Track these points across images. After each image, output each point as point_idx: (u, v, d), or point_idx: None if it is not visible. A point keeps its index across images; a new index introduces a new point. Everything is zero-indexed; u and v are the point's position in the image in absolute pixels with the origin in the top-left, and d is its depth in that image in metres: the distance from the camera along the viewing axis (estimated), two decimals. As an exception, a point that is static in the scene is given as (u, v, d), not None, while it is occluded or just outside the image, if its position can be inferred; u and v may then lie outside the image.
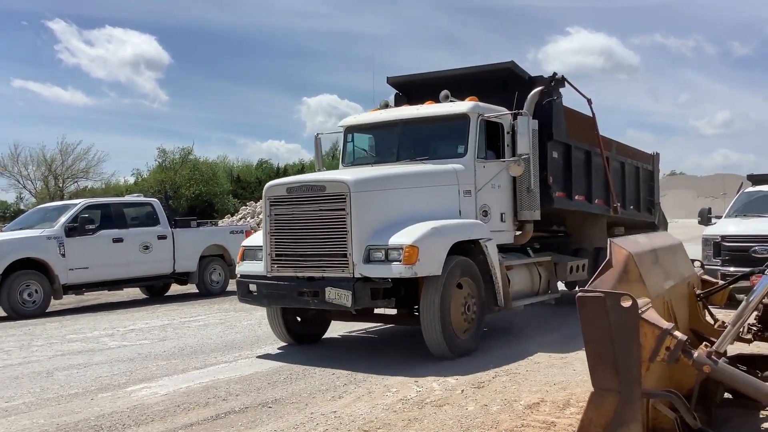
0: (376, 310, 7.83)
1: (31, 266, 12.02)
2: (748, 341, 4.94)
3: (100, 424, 5.22)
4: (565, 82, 9.03)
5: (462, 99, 8.36)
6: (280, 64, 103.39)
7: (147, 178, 44.02)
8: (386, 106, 9.28)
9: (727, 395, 4.65)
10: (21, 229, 13.03)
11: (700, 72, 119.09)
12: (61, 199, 34.81)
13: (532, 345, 7.77)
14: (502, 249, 8.13)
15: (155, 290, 14.98)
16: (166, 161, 43.83)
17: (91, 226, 12.69)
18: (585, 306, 3.35)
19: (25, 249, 12.04)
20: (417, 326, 7.07)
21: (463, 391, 5.75)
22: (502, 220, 8.31)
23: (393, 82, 10.00)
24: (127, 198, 15.49)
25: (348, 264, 6.79)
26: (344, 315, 7.70)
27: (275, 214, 7.33)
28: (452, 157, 8.03)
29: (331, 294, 6.73)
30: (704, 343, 3.96)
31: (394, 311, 7.75)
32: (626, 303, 3.26)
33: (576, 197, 9.61)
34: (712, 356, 3.49)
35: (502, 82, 8.91)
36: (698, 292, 5.10)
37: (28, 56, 73.06)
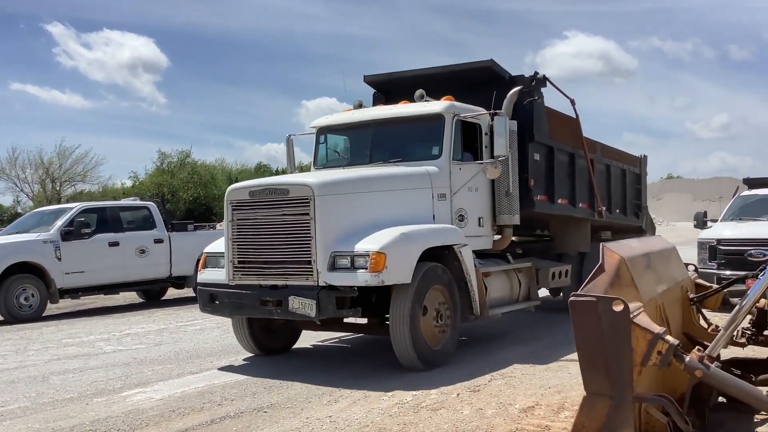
0: (347, 319, 7.41)
1: (28, 270, 12.00)
2: (742, 345, 4.93)
3: (95, 429, 5.23)
4: (547, 82, 8.75)
5: (441, 98, 8.01)
6: (278, 67, 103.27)
7: (144, 181, 43.96)
8: (360, 105, 8.92)
9: (721, 399, 4.66)
10: (17, 232, 13.01)
11: (697, 75, 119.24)
12: (59, 202, 34.76)
13: (528, 348, 7.79)
14: (482, 255, 7.87)
15: (152, 294, 14.92)
16: (165, 164, 43.81)
17: (87, 230, 12.65)
18: (577, 310, 3.36)
19: (21, 253, 12.02)
20: (388, 336, 6.76)
21: (458, 395, 5.76)
22: (479, 225, 7.98)
23: (370, 80, 9.64)
24: (124, 202, 15.50)
25: (312, 272, 6.48)
26: (312, 324, 7.27)
27: (237, 219, 6.99)
28: (427, 158, 7.70)
29: (295, 303, 6.44)
30: (697, 347, 3.97)
31: (364, 320, 7.42)
32: (618, 307, 3.27)
33: (559, 201, 9.30)
34: (705, 360, 3.50)
35: (482, 82, 8.61)
36: (692, 296, 5.11)
37: (26, 59, 72.87)
